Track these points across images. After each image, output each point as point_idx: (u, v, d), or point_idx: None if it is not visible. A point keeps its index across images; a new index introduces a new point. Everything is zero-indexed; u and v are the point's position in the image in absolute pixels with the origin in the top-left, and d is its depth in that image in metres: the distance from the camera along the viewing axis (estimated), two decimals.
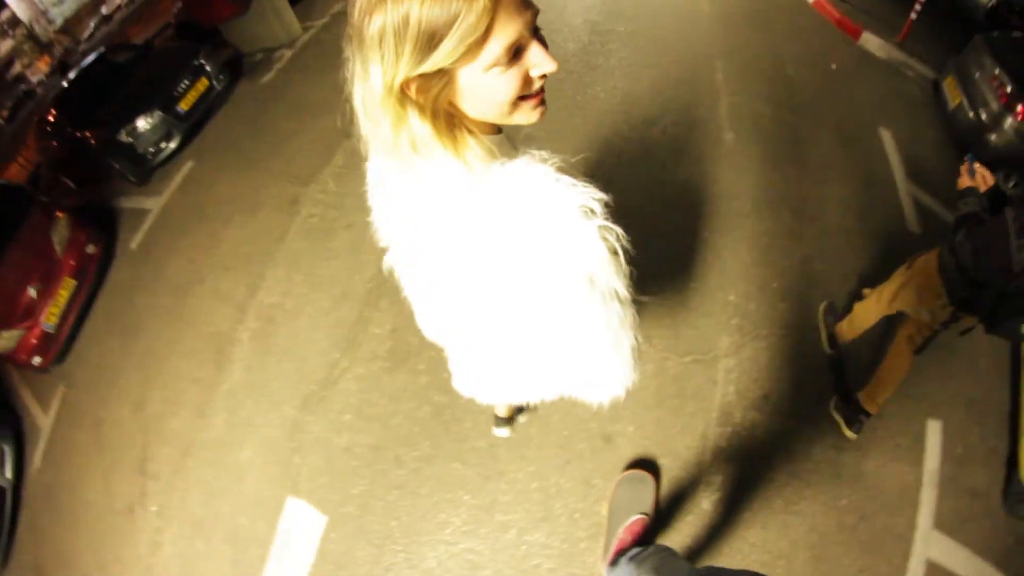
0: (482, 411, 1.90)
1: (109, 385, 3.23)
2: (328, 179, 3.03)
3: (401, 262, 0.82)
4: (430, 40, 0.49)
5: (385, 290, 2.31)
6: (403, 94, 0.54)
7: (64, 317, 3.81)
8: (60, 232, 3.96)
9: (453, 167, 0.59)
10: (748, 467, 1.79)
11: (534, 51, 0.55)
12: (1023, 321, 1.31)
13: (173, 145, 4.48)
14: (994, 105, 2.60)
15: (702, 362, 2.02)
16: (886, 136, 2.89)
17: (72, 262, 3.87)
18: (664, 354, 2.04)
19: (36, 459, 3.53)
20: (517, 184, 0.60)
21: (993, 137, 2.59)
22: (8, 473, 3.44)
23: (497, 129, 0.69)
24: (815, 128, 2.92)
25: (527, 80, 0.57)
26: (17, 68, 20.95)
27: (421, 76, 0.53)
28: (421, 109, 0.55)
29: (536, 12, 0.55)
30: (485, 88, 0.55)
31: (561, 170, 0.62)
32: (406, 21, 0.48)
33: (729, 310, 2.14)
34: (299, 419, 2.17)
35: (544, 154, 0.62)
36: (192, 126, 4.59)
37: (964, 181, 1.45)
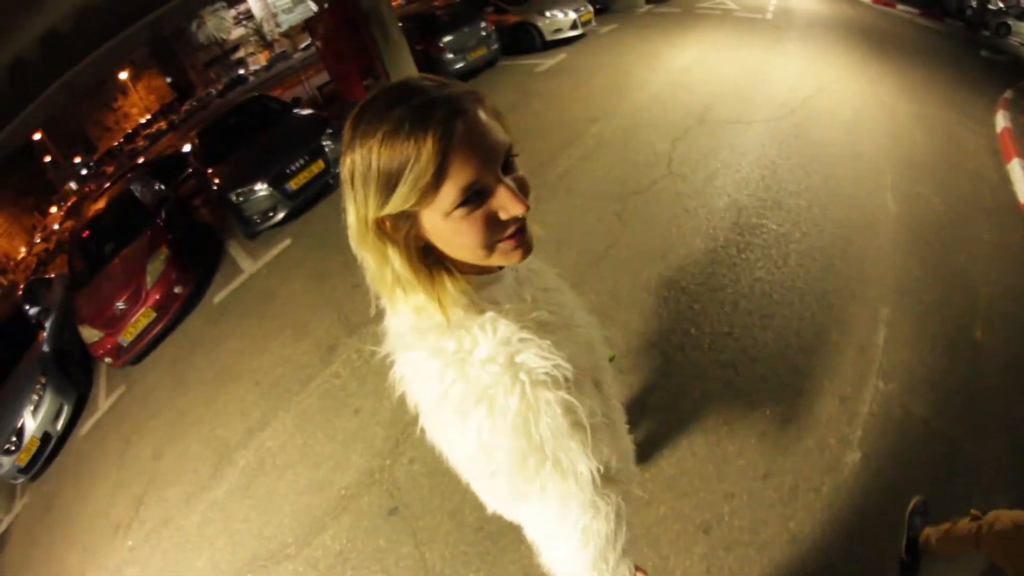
0: None
1: (147, 418, 3.75)
2: (367, 338, 3.20)
3: None
4: (387, 183, 0.50)
5: (351, 507, 2.32)
6: (380, 230, 0.54)
7: (139, 339, 4.42)
8: (156, 265, 4.62)
9: (430, 309, 0.58)
10: None
11: (500, 193, 0.52)
12: None
13: (278, 218, 4.94)
14: None
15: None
16: None
17: (157, 296, 4.49)
18: None
19: (85, 427, 4.16)
20: (479, 340, 0.58)
21: None
22: (59, 426, 4.07)
23: (498, 266, 0.65)
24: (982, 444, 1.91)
25: (495, 223, 0.54)
26: (240, 53, 25.34)
27: (390, 216, 0.53)
28: (396, 245, 0.55)
29: (506, 148, 0.53)
30: (450, 232, 0.53)
31: (540, 325, 0.61)
32: (367, 164, 0.50)
33: None
34: (242, 573, 2.33)
35: (525, 307, 0.63)
36: (300, 205, 5.01)
37: None
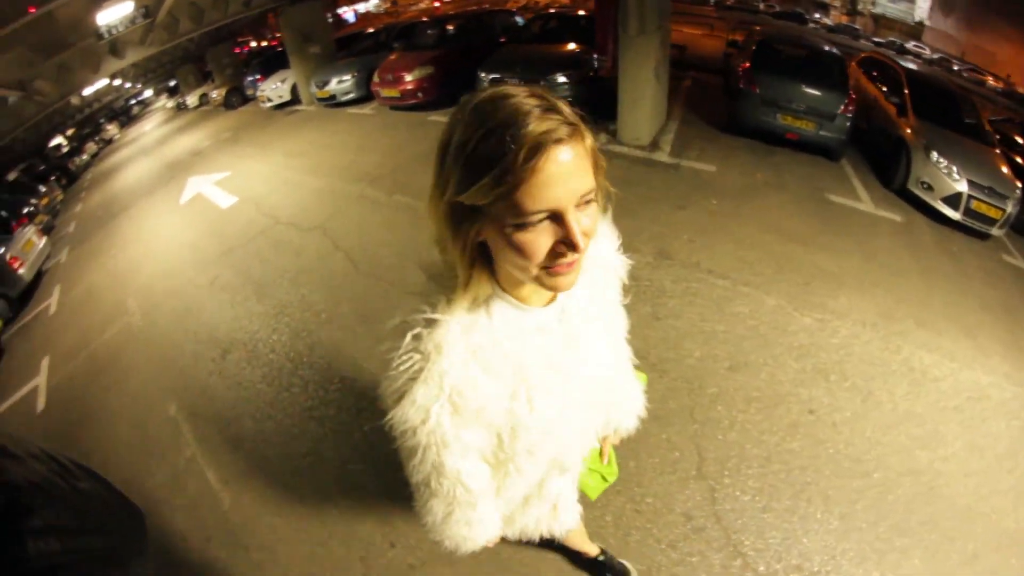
0: None
1: None
2: None
3: None
4: (474, 170, 0.52)
5: None
6: (451, 211, 0.57)
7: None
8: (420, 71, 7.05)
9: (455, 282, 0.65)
10: None
11: (566, 225, 0.55)
12: None
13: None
14: None
15: None
16: None
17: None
18: None
19: None
20: (453, 327, 0.65)
21: None
22: None
23: (551, 295, 0.72)
24: None
25: (551, 250, 0.56)
26: None
27: (461, 204, 0.55)
28: (455, 233, 0.59)
29: (587, 190, 0.55)
30: (508, 240, 0.56)
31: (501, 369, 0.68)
32: (465, 143, 0.53)
33: None
34: None
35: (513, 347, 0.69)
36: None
37: None
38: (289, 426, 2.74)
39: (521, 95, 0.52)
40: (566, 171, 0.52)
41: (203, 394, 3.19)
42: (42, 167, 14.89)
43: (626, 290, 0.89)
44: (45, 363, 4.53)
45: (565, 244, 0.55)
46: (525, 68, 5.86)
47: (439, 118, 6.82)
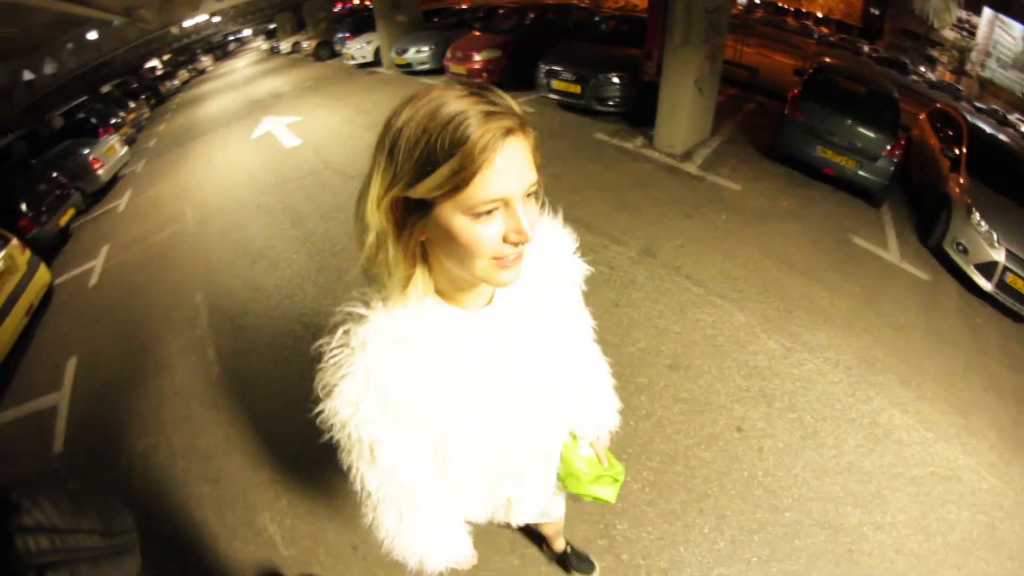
0: None
1: None
2: None
3: None
4: (427, 163, 0.52)
5: None
6: (393, 210, 0.57)
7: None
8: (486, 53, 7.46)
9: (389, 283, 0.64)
10: None
11: (516, 215, 0.56)
12: None
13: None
14: None
15: None
16: None
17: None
18: None
19: None
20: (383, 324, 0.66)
21: None
22: None
23: (488, 297, 0.73)
24: None
25: (499, 240, 0.57)
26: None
27: (407, 200, 0.56)
28: (398, 232, 0.59)
29: (533, 180, 0.57)
30: (457, 231, 0.56)
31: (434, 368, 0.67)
32: (418, 137, 0.53)
33: None
34: None
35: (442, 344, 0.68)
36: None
37: None
38: (281, 326, 3.25)
39: (464, 92, 0.53)
40: (516, 162, 0.54)
41: (225, 291, 3.77)
42: (135, 85, 16.22)
43: (596, 277, 0.93)
44: (104, 250, 5.27)
45: (515, 234, 0.56)
46: (580, 63, 6.01)
47: None
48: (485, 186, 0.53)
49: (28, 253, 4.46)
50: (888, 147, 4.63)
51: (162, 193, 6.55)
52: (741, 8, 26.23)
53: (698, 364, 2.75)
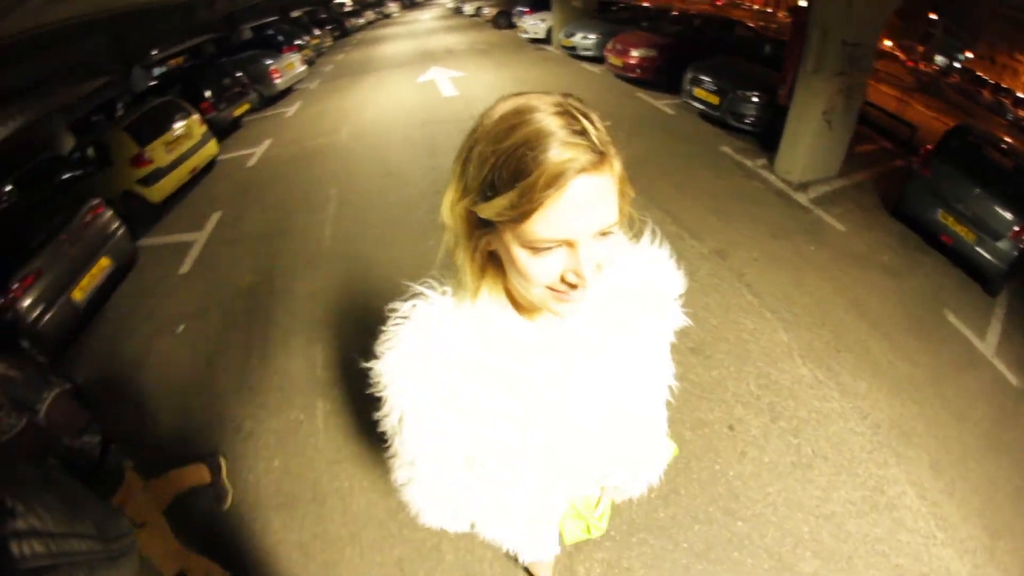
0: None
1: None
2: None
3: None
4: (491, 186, 0.50)
5: None
6: (463, 218, 0.56)
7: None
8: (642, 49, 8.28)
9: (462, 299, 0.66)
10: None
11: (575, 257, 0.52)
12: None
13: None
14: None
15: None
16: None
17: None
18: None
19: None
20: (454, 316, 0.68)
21: None
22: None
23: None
24: None
25: (555, 275, 0.54)
26: None
27: (477, 216, 0.54)
28: (468, 238, 0.58)
29: (607, 224, 0.52)
30: (515, 258, 0.54)
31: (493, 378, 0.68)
32: (487, 157, 0.50)
33: None
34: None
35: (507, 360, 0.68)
36: None
37: None
38: (391, 226, 4.22)
39: (548, 110, 0.49)
40: (586, 202, 0.49)
41: (357, 191, 4.83)
42: (323, 15, 18.11)
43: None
44: (267, 142, 6.72)
45: (572, 275, 0.53)
46: (723, 76, 6.11)
47: (646, 97, 7.34)
48: (544, 225, 0.49)
49: (204, 127, 5.82)
50: (1016, 228, 4.21)
51: (327, 109, 7.87)
52: (937, 68, 23.22)
53: (719, 357, 2.81)
